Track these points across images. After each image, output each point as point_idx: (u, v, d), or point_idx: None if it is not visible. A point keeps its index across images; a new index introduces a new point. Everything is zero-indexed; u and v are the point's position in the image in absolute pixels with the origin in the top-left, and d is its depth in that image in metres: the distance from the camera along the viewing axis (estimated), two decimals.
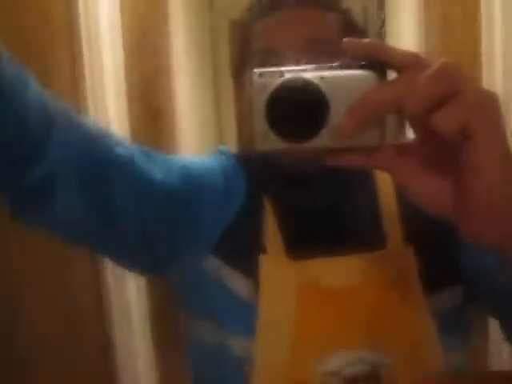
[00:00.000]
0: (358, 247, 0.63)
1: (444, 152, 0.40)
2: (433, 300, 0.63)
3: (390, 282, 0.63)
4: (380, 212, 0.68)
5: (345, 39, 0.39)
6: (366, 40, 0.39)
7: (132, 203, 0.61)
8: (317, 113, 0.39)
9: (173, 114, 2.35)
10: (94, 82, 1.38)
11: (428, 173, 0.41)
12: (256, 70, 0.39)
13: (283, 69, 0.39)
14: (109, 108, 1.46)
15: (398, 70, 0.38)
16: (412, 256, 0.64)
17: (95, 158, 0.57)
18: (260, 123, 0.39)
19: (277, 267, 0.63)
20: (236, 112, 0.73)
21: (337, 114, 0.38)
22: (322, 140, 0.39)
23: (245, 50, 0.69)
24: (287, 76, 0.39)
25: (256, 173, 0.70)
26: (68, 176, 0.54)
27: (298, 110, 0.39)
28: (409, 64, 0.37)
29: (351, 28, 0.68)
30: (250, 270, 0.63)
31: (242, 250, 0.64)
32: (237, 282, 0.64)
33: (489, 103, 0.37)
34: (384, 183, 0.70)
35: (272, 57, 0.62)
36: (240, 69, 0.71)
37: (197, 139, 2.57)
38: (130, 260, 0.68)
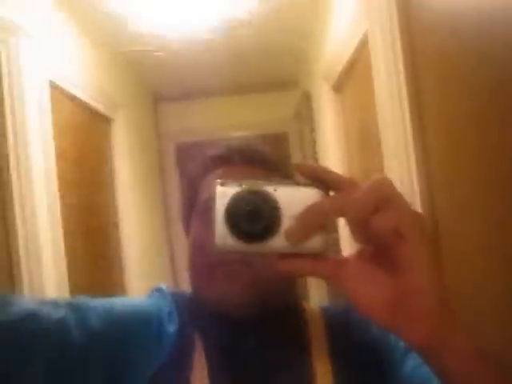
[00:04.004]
0: None
1: (385, 260, 0.43)
2: None
3: None
4: (312, 364, 0.66)
5: (297, 163, 0.46)
6: (314, 164, 0.46)
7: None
8: (270, 219, 0.43)
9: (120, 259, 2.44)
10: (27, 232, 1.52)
11: (371, 282, 0.44)
12: (218, 180, 0.44)
13: (243, 181, 0.44)
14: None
15: (336, 188, 0.44)
16: None
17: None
18: (220, 226, 0.43)
19: None
20: (188, 250, 0.72)
21: (288, 221, 0.43)
22: (275, 245, 0.43)
23: (192, 202, 0.73)
24: (245, 186, 0.44)
25: (189, 312, 0.70)
26: None
27: (254, 215, 0.43)
28: (345, 184, 0.43)
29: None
30: None
31: None
32: None
33: (414, 209, 0.43)
34: (316, 332, 0.70)
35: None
36: (188, 220, 0.73)
37: (146, 279, 2.64)
38: None
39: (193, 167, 0.75)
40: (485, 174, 0.92)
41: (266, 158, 0.73)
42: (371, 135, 1.82)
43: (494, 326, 0.88)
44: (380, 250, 0.43)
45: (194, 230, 0.70)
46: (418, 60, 1.26)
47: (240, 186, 0.44)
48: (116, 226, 2.54)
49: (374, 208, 0.41)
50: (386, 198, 0.41)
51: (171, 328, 0.67)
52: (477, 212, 0.95)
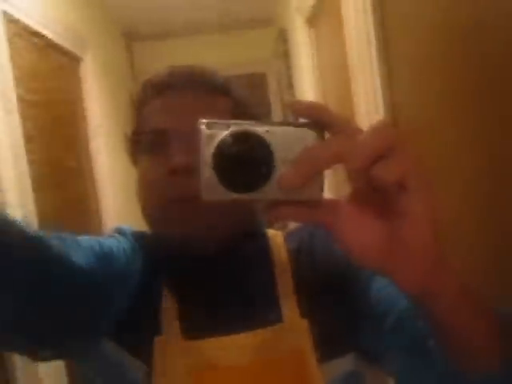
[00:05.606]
0: (254, 323, 0.65)
1: (380, 205, 0.41)
2: (327, 367, 0.65)
3: (284, 355, 0.64)
4: (276, 287, 0.69)
5: (290, 100, 0.45)
6: (310, 101, 0.41)
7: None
8: (262, 164, 0.39)
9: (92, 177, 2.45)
10: None
11: (364, 226, 0.42)
12: (204, 121, 0.40)
13: (230, 121, 0.40)
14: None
15: (333, 131, 0.40)
16: (307, 328, 0.65)
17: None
18: (207, 173, 0.39)
19: (171, 349, 0.63)
20: (137, 185, 0.69)
21: (281, 166, 0.39)
22: (267, 192, 0.40)
23: (137, 127, 0.70)
24: (234, 128, 0.40)
25: (154, 251, 0.70)
26: None
27: (244, 160, 0.39)
28: (345, 126, 0.40)
29: (240, 111, 0.68)
30: (146, 355, 0.63)
31: (138, 333, 0.65)
32: (133, 369, 0.63)
33: (419, 160, 0.39)
34: (279, 256, 0.72)
35: (160, 136, 0.65)
36: (133, 146, 0.71)
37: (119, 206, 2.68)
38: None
39: (136, 95, 0.71)
40: (450, 108, 0.91)
41: (213, 82, 0.68)
42: (346, 70, 1.78)
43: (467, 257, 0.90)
44: (376, 193, 0.40)
45: (141, 166, 0.68)
46: None
47: (228, 127, 0.39)
48: (89, 166, 2.51)
49: (376, 156, 0.38)
50: (390, 145, 0.38)
51: (136, 265, 0.68)
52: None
